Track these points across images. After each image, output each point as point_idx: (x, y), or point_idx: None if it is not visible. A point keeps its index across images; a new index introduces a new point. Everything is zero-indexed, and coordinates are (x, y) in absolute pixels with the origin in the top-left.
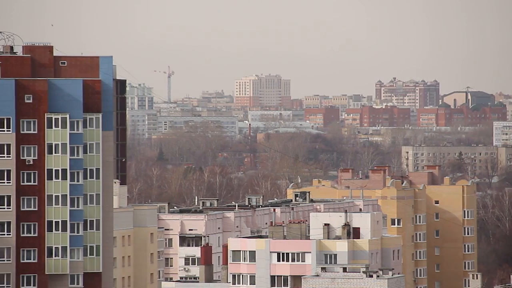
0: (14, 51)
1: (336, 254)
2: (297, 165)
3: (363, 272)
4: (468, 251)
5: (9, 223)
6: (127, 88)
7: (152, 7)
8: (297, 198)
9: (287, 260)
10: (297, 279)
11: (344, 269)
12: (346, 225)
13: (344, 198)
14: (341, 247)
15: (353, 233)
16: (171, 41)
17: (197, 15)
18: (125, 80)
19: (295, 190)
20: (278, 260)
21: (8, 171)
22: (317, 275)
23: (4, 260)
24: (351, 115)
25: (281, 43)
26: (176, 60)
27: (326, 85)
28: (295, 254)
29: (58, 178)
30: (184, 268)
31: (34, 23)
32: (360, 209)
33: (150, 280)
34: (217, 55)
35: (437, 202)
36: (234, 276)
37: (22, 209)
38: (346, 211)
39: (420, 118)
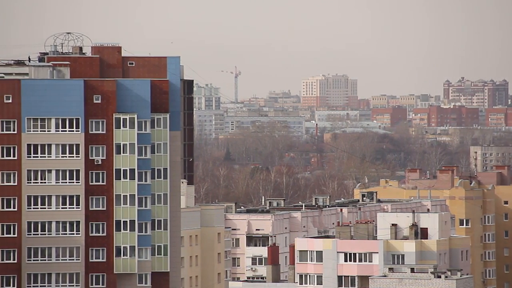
0: (83, 51)
1: (403, 255)
2: (364, 165)
3: (431, 272)
4: None
5: (78, 223)
6: (195, 88)
7: (219, 8)
8: (364, 198)
9: (354, 261)
10: (364, 279)
11: (412, 270)
12: (414, 225)
13: (412, 198)
14: (408, 247)
15: (421, 233)
16: (238, 41)
17: (264, 15)
18: (193, 81)
19: (362, 190)
20: (345, 261)
21: (77, 171)
22: (385, 276)
23: (73, 259)
24: (419, 115)
25: (348, 43)
26: (243, 60)
27: (393, 85)
28: (362, 254)
29: (126, 178)
30: (251, 268)
31: (103, 23)
32: (428, 210)
33: (217, 280)
34: (284, 55)
35: (506, 202)
36: (301, 276)
37: (91, 209)
38: (413, 212)
39: (488, 117)
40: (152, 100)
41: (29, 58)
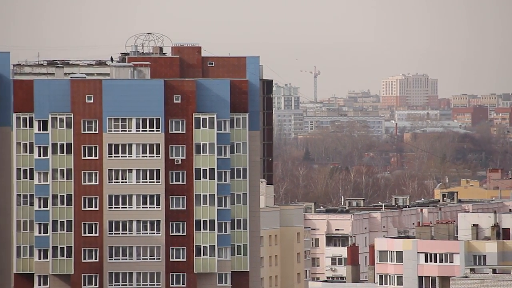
0: (163, 52)
1: (485, 255)
2: (444, 165)
3: None
4: None
5: (158, 222)
6: (274, 88)
7: (299, 7)
8: (445, 198)
9: (435, 261)
10: (445, 280)
11: (494, 271)
12: (496, 226)
13: (493, 198)
14: (490, 248)
15: (503, 234)
16: (318, 41)
17: (344, 14)
18: (272, 80)
19: (443, 190)
20: (426, 261)
21: (158, 171)
22: (466, 276)
23: (154, 259)
24: (500, 114)
25: (428, 42)
26: (323, 60)
27: (474, 84)
28: (443, 255)
29: (206, 178)
30: (331, 268)
31: (183, 23)
32: (510, 210)
33: (297, 280)
34: (363, 54)
35: None
36: (381, 276)
37: (171, 208)
38: (495, 212)
39: None
40: (232, 100)
41: (111, 59)
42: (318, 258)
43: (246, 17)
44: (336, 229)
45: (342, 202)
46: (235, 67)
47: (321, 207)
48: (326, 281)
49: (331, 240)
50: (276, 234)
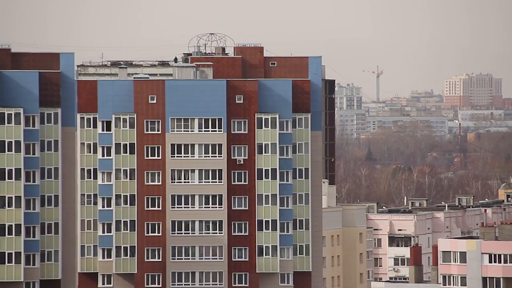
0: (225, 52)
1: None
2: (509, 165)
3: None
4: None
5: (221, 222)
6: (336, 88)
7: (361, 9)
8: (509, 198)
9: (499, 262)
10: (509, 281)
11: None
12: None
13: None
14: None
15: None
16: (380, 41)
17: (407, 14)
18: (334, 80)
19: (507, 190)
20: (490, 262)
21: (220, 171)
22: None
23: (216, 258)
24: None
25: (492, 42)
26: (385, 59)
27: None
28: (508, 255)
29: (268, 178)
30: (394, 269)
31: (245, 24)
32: None
33: (359, 280)
34: (426, 54)
35: None
36: (444, 277)
37: (233, 208)
38: None
39: None
40: (294, 100)
41: (175, 59)
42: (381, 258)
43: (309, 16)
44: (398, 230)
45: (405, 202)
46: (297, 67)
47: (384, 207)
48: (389, 281)
49: (394, 240)
50: (338, 234)
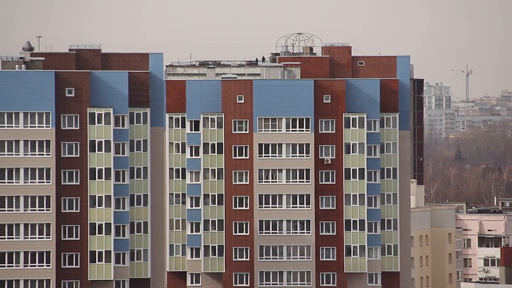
0: (313, 52)
1: None
2: None
3: None
4: None
5: (308, 222)
6: (424, 88)
7: (449, 8)
8: None
9: None
10: None
11: None
12: None
13: None
14: None
15: None
16: (470, 40)
17: (496, 13)
18: (422, 80)
19: None
20: None
21: (307, 170)
22: None
23: (304, 258)
24: None
25: None
26: (475, 58)
27: None
28: None
29: (356, 178)
30: (483, 269)
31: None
32: None
33: (448, 281)
34: None
35: None
36: None
37: (321, 208)
38: None
39: None
40: (382, 100)
41: (263, 58)
42: (470, 259)
43: (397, 16)
44: (488, 230)
45: (495, 203)
46: (385, 67)
47: (473, 207)
48: (478, 282)
49: (484, 240)
50: (427, 234)
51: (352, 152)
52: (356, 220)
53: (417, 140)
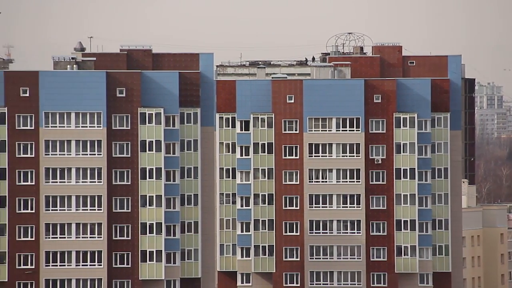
0: (363, 51)
1: None
2: None
3: None
4: None
5: (359, 222)
6: (476, 87)
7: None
8: None
9: None
10: None
11: None
12: None
13: None
14: None
15: None
16: None
17: None
18: (474, 79)
19: None
20: None
21: (358, 170)
22: None
23: (354, 258)
24: None
25: None
26: None
27: None
28: None
29: (407, 178)
30: None
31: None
32: None
33: (500, 281)
34: None
35: None
36: None
37: (371, 208)
38: None
39: None
40: (433, 99)
41: (313, 58)
42: None
43: (448, 15)
44: None
45: None
46: (436, 66)
47: None
48: None
49: None
50: (478, 234)
51: (403, 152)
52: (407, 220)
53: (468, 140)
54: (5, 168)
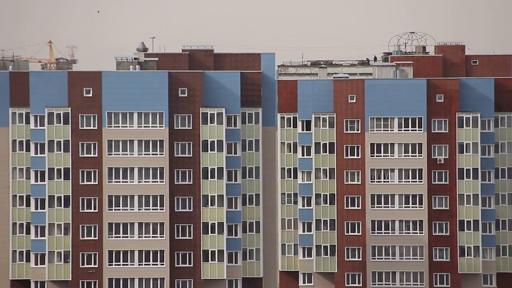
0: (426, 51)
1: None
2: None
3: None
4: None
5: (421, 222)
6: None
7: None
8: None
9: None
10: None
11: None
12: None
13: None
14: None
15: None
16: None
17: None
18: None
19: None
20: None
21: (420, 170)
22: None
23: (417, 258)
24: None
25: None
26: None
27: None
28: None
29: (470, 178)
30: None
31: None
32: None
33: None
34: None
35: None
36: None
37: (434, 208)
38: None
39: None
40: (496, 99)
41: (375, 58)
42: None
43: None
44: None
45: None
46: (500, 66)
47: None
48: None
49: None
50: None
51: (466, 152)
52: (470, 221)
53: None
54: (69, 168)
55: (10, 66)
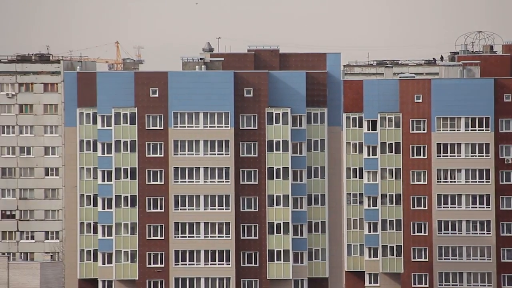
0: (493, 50)
1: None
2: None
3: None
4: None
5: (488, 222)
6: None
7: None
8: None
9: None
10: None
11: None
12: None
13: None
14: None
15: None
16: None
17: None
18: None
19: None
20: None
21: (487, 170)
22: None
23: (484, 259)
24: None
25: None
26: None
27: None
28: None
29: None
30: None
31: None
32: None
33: None
34: None
35: None
36: None
37: (501, 209)
38: None
39: None
40: None
41: (441, 57)
42: None
43: None
44: None
45: None
46: None
47: None
48: None
49: None
50: None
51: None
52: None
53: None
54: (136, 168)
55: (78, 67)
